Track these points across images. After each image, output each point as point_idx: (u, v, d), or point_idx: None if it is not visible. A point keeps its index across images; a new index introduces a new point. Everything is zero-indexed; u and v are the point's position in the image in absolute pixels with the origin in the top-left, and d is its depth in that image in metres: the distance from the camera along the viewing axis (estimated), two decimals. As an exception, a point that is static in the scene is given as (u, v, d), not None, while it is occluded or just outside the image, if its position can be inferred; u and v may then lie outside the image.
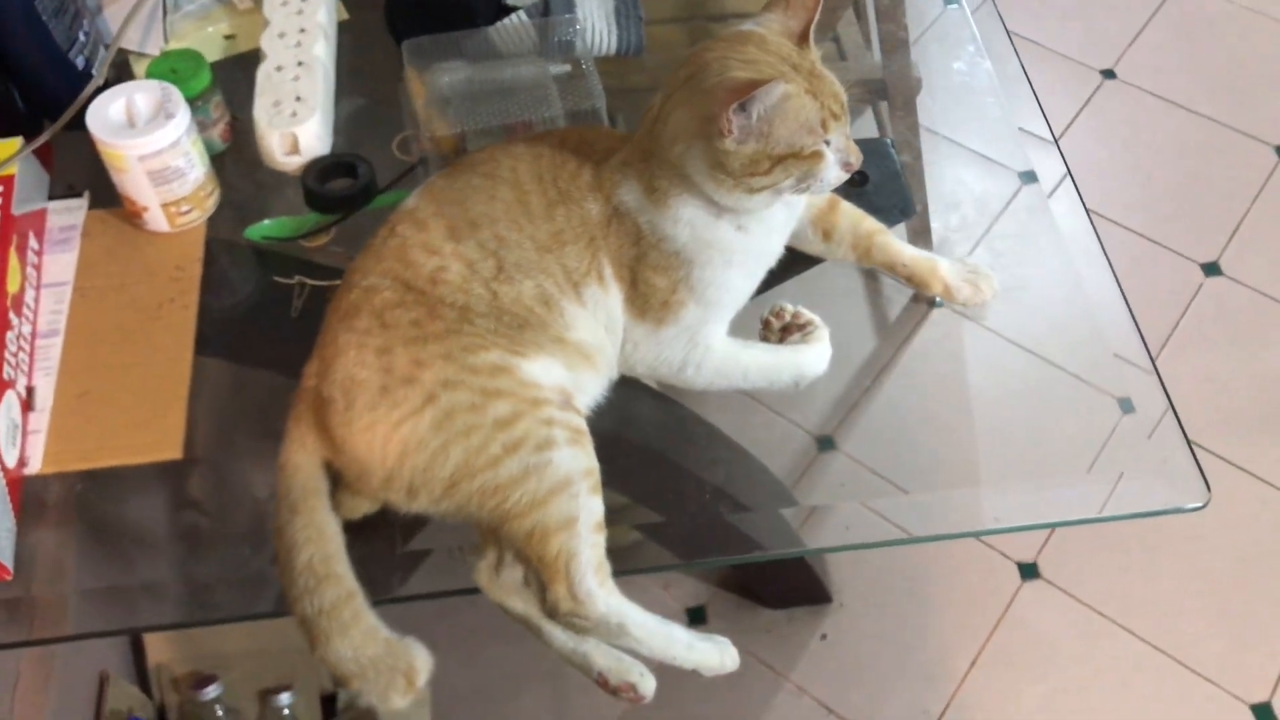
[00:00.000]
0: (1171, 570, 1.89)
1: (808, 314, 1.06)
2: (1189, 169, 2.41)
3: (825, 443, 1.09)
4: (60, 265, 1.15)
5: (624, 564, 0.95)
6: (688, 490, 1.05)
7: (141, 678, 1.68)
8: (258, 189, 1.22)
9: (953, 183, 1.26)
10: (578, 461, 0.91)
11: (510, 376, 0.93)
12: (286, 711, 1.59)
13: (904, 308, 1.15)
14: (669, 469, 1.09)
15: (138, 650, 1.69)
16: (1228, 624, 1.83)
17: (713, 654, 0.96)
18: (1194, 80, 2.55)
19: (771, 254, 1.03)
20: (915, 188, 1.24)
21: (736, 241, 0.98)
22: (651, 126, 0.97)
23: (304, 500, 0.93)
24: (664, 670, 0.96)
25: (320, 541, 0.92)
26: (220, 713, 1.58)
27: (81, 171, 1.20)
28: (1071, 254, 1.19)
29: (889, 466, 1.07)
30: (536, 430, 0.91)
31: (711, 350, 1.01)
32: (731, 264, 0.98)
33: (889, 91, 1.38)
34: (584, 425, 0.95)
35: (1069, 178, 1.26)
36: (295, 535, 0.92)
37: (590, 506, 0.91)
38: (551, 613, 0.92)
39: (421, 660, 0.90)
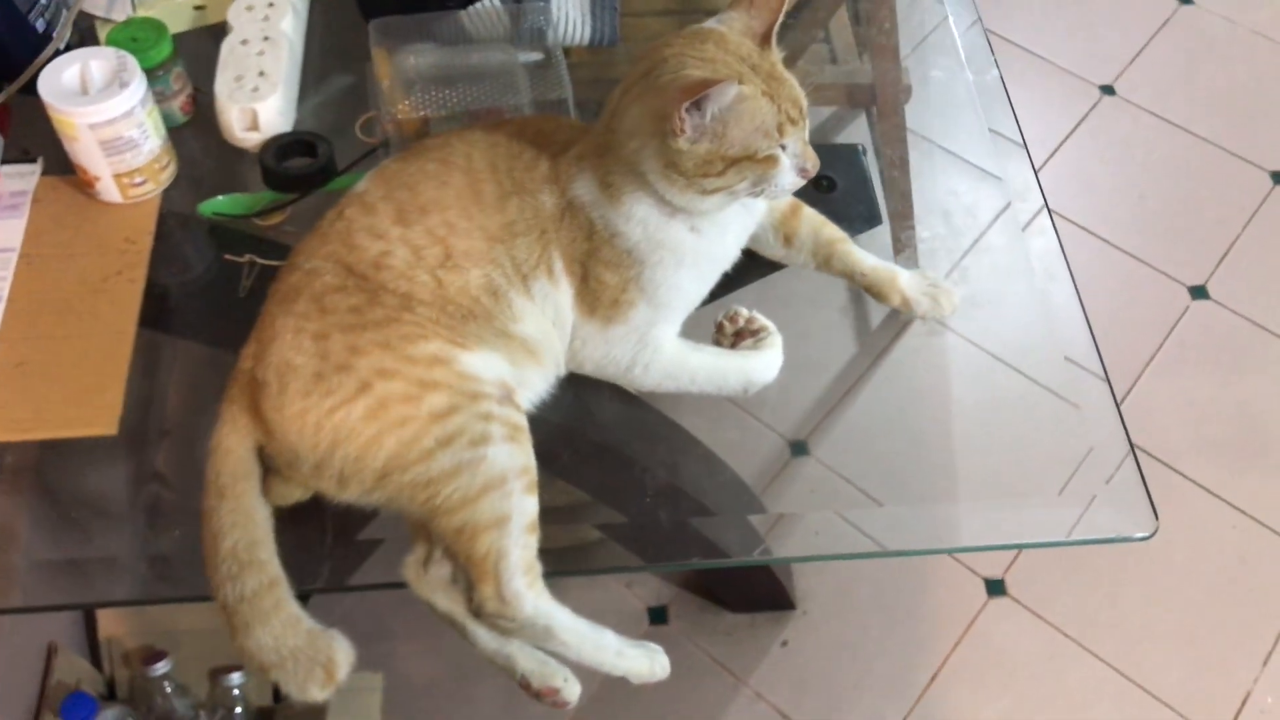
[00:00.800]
0: (1138, 594, 1.87)
1: (761, 320, 1.04)
2: (1183, 190, 2.38)
3: (798, 448, 1.07)
4: (8, 231, 1.13)
5: (583, 564, 0.93)
6: (650, 491, 1.03)
7: (93, 650, 1.66)
8: (217, 164, 1.20)
9: (942, 194, 1.24)
10: (514, 459, 0.90)
11: (449, 368, 0.91)
12: (237, 691, 1.57)
13: (885, 315, 1.13)
14: (633, 469, 1.07)
15: (89, 622, 1.67)
16: (1192, 650, 1.82)
17: (642, 661, 0.94)
18: (1193, 100, 2.52)
19: (726, 257, 1.01)
20: (897, 196, 1.22)
21: (689, 242, 0.96)
22: (608, 121, 0.95)
23: (233, 485, 0.91)
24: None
25: (247, 527, 0.90)
26: (169, 689, 1.56)
27: (37, 137, 1.17)
28: (1047, 272, 1.17)
29: (861, 475, 1.05)
30: (473, 425, 0.89)
31: (660, 351, 0.99)
32: (683, 265, 0.97)
33: (875, 97, 1.36)
34: (524, 422, 0.93)
35: (1043, 200, 1.24)
36: (222, 520, 0.90)
37: (523, 506, 0.89)
38: (478, 612, 0.90)
39: (343, 654, 0.88)
